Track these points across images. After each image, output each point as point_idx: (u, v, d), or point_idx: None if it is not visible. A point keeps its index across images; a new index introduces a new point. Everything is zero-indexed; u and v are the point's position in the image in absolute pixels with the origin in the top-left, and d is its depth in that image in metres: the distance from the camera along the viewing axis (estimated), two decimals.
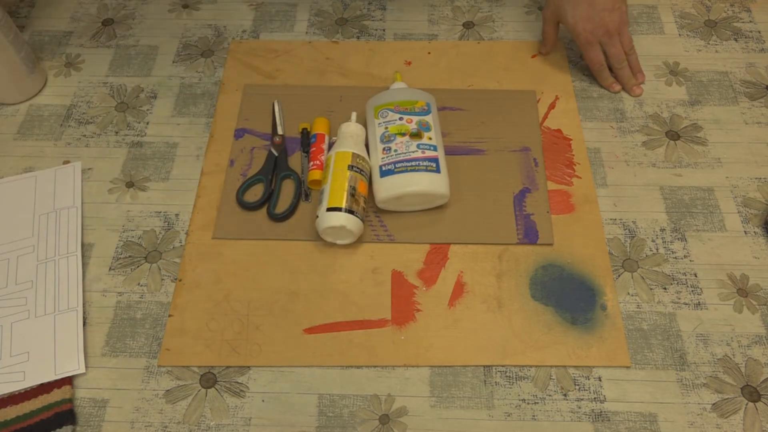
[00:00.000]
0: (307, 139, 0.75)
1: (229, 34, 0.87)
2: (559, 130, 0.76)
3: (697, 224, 0.70)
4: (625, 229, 0.70)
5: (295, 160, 0.75)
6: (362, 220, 0.66)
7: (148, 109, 0.80)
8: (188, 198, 0.73)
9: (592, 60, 0.78)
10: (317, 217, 0.66)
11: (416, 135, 0.69)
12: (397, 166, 0.67)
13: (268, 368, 0.62)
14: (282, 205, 0.71)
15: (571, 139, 0.76)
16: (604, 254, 0.68)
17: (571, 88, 0.80)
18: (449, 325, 0.64)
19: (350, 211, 0.65)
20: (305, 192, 0.72)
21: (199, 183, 0.74)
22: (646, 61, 0.83)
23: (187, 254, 0.68)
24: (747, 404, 0.60)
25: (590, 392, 0.60)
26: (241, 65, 0.83)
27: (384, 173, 0.68)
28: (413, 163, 0.67)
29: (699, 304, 0.65)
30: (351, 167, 0.67)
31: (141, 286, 0.67)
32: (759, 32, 0.86)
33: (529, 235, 0.69)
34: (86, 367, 0.62)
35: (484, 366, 0.62)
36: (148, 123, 0.79)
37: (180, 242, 0.70)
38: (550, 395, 0.60)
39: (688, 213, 0.71)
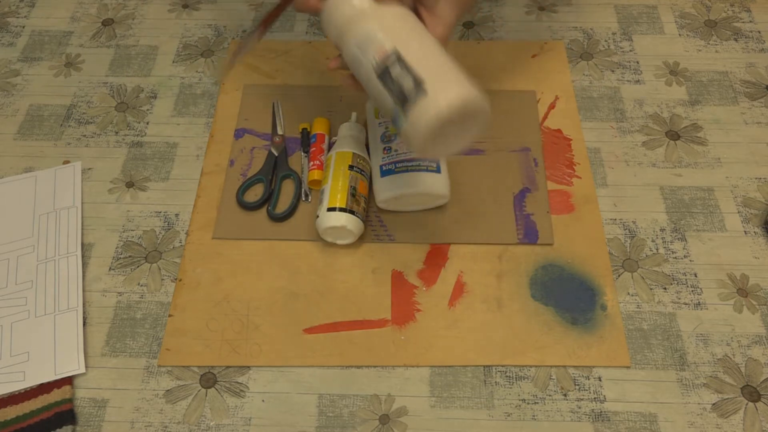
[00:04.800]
0: (307, 139, 0.75)
1: (229, 34, 0.87)
2: (559, 130, 0.76)
3: (697, 224, 0.70)
4: (625, 229, 0.70)
5: (295, 160, 0.75)
6: (362, 220, 0.66)
7: (148, 109, 0.80)
8: (188, 198, 0.73)
9: None
10: (317, 217, 0.66)
11: None
12: (397, 166, 0.67)
13: (268, 368, 0.62)
14: (282, 205, 0.71)
15: (571, 139, 0.76)
16: (604, 254, 0.68)
17: (571, 88, 0.80)
18: (449, 325, 0.64)
19: (351, 212, 0.65)
20: (305, 192, 0.72)
21: (199, 183, 0.74)
22: (646, 61, 0.83)
23: (187, 254, 0.68)
24: (747, 404, 0.60)
25: (590, 392, 0.60)
26: (241, 65, 0.83)
27: (384, 173, 0.68)
28: (414, 163, 0.67)
29: (699, 304, 0.65)
30: (351, 167, 0.67)
31: (141, 286, 0.67)
32: (759, 32, 0.86)
33: (529, 235, 0.69)
34: (86, 367, 0.62)
35: (484, 366, 0.62)
36: (148, 123, 0.79)
37: (180, 242, 0.70)
38: (550, 395, 0.60)
39: (688, 213, 0.71)
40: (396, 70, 0.54)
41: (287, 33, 0.87)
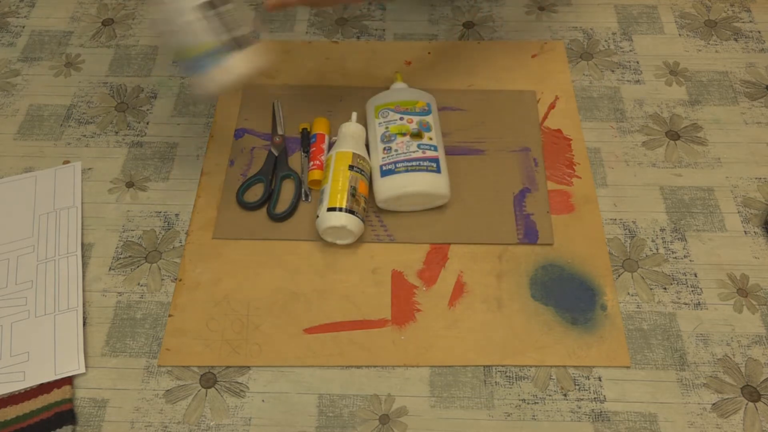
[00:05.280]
0: (307, 139, 0.75)
1: None
2: (559, 130, 0.76)
3: (697, 224, 0.70)
4: (625, 229, 0.70)
5: (295, 160, 0.75)
6: (362, 220, 0.67)
7: (148, 109, 0.80)
8: (188, 198, 0.73)
9: None
10: (317, 217, 0.66)
11: (417, 135, 0.69)
12: (397, 166, 0.67)
13: (268, 368, 0.62)
14: (282, 205, 0.71)
15: (571, 139, 0.76)
16: (604, 254, 0.68)
17: (571, 88, 0.80)
18: (449, 325, 0.64)
19: (351, 212, 0.65)
20: (305, 192, 0.72)
21: (199, 183, 0.74)
22: (646, 61, 0.83)
23: (187, 254, 0.68)
24: (747, 404, 0.60)
25: (590, 392, 0.60)
26: None
27: (384, 173, 0.68)
28: (414, 163, 0.67)
29: (699, 304, 0.65)
30: (351, 167, 0.67)
31: (141, 286, 0.67)
32: (759, 32, 0.86)
33: (529, 235, 0.69)
34: (86, 367, 0.62)
35: (484, 366, 0.62)
36: (148, 123, 0.79)
37: (180, 242, 0.70)
38: (550, 395, 0.60)
39: (688, 213, 0.71)
40: (228, 7, 0.59)
41: (287, 33, 0.87)
